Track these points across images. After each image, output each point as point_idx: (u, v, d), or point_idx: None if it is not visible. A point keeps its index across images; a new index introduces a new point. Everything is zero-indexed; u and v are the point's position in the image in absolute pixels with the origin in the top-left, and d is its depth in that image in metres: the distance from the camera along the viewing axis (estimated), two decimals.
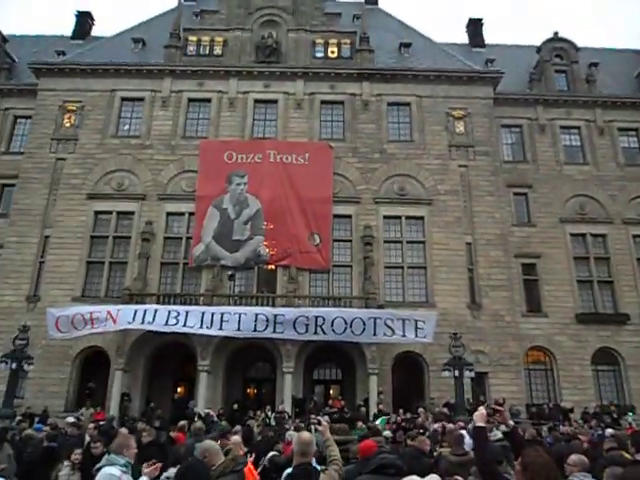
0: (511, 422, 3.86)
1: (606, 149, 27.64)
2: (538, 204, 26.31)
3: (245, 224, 23.65)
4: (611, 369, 24.46)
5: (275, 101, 26.45)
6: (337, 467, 3.97)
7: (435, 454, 7.61)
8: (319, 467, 4.50)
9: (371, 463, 3.84)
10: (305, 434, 4.26)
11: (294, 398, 20.35)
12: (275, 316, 19.45)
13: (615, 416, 19.78)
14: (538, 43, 30.72)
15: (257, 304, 21.41)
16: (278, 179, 24.16)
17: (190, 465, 4.13)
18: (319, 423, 4.69)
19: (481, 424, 3.74)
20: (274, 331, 19.27)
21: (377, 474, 3.69)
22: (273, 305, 21.28)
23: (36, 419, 16.85)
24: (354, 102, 26.43)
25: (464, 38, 35.06)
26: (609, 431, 12.12)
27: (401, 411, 17.65)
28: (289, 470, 4.12)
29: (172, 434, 9.68)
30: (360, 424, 13.26)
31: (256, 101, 26.47)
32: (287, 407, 19.16)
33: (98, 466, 4.53)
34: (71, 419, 12.28)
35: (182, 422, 10.61)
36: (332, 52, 27.53)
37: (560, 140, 27.81)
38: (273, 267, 23.44)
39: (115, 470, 4.37)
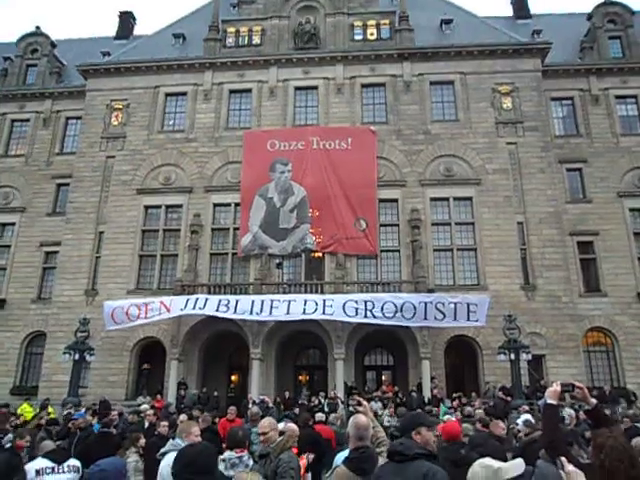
0: (593, 400, 3.62)
1: None
2: (594, 179, 25.13)
3: (291, 212, 23.71)
4: None
5: (315, 87, 26.27)
6: (385, 449, 3.88)
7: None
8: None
9: (422, 447, 3.72)
10: (361, 417, 4.17)
11: (346, 384, 20.36)
12: (324, 301, 19.45)
13: None
14: (589, 9, 29.17)
15: (306, 291, 21.46)
16: (321, 165, 24.05)
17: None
18: (359, 404, 4.58)
19: (553, 401, 3.55)
20: (323, 313, 19.24)
21: (391, 460, 3.56)
22: (322, 292, 21.31)
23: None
24: (395, 83, 25.92)
25: (509, 10, 33.77)
26: None
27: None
28: (345, 453, 4.04)
29: (229, 417, 9.84)
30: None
31: (296, 88, 26.38)
32: (339, 393, 19.18)
33: (163, 451, 4.55)
34: (146, 406, 12.62)
35: (232, 407, 10.73)
36: (371, 34, 27.04)
37: (616, 110, 26.38)
38: (320, 254, 23.41)
39: None
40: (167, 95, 26.95)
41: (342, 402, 18.03)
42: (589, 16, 28.87)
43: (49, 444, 5.34)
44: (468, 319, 19.07)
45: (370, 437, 3.93)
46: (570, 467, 2.85)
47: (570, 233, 24.02)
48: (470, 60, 25.66)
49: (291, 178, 24.15)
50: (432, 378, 20.04)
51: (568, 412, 8.57)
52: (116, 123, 26.47)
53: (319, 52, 26.44)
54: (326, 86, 26.21)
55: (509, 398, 17.35)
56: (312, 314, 19.45)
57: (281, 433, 4.89)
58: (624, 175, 25.11)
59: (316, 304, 19.46)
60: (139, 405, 15.13)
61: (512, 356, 18.44)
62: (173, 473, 2.77)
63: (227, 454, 4.29)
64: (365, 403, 4.52)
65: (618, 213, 24.56)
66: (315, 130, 25.13)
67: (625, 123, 26.27)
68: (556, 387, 3.54)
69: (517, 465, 2.70)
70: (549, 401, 3.53)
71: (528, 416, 8.49)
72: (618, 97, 26.60)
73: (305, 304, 19.53)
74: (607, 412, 12.16)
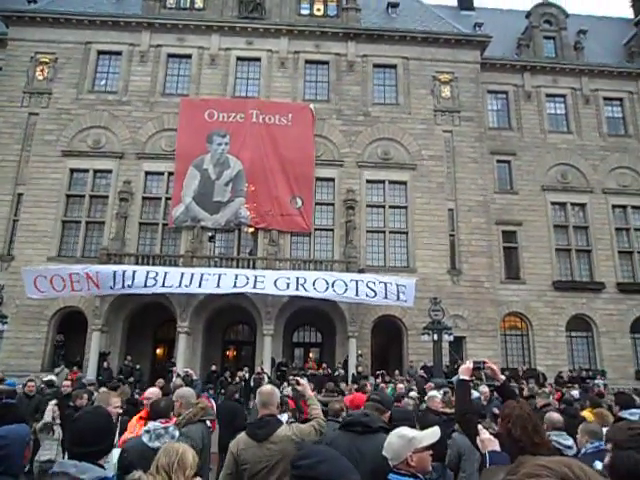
0: (502, 376, 3.80)
1: (590, 118, 27.62)
2: (521, 172, 26.34)
3: (226, 185, 23.21)
4: (584, 335, 25.06)
5: (258, 59, 25.65)
6: (316, 423, 3.89)
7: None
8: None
9: (340, 420, 3.78)
10: (266, 386, 4.27)
11: (274, 360, 20.43)
12: (256, 276, 19.30)
13: (587, 380, 20.36)
14: (528, 8, 30.22)
15: (237, 266, 21.20)
16: (260, 140, 23.63)
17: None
18: (297, 383, 4.59)
19: (465, 377, 3.70)
20: (254, 287, 19.10)
21: (346, 431, 3.60)
22: (254, 268, 21.11)
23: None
24: (339, 62, 25.79)
25: (453, 1, 34.27)
26: (574, 393, 12.49)
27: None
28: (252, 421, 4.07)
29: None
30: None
31: (238, 58, 25.64)
32: (266, 369, 19.22)
33: None
34: (51, 377, 12.05)
35: (160, 380, 10.52)
36: (318, 10, 26.69)
37: (545, 108, 27.67)
38: (254, 229, 23.14)
39: None
40: (100, 53, 25.40)
41: (268, 378, 18.07)
42: (527, 14, 29.91)
43: None
44: (398, 299, 19.60)
45: (276, 404, 3.95)
46: (486, 435, 2.95)
47: (496, 222, 25.12)
48: (414, 46, 25.93)
49: (228, 151, 23.58)
50: (358, 356, 20.51)
51: (482, 390, 8.99)
52: (41, 78, 24.66)
53: (264, 23, 25.78)
54: (269, 59, 25.65)
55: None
56: (243, 287, 19.26)
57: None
58: (549, 170, 26.48)
59: (247, 278, 19.28)
60: (56, 375, 14.45)
61: (435, 337, 19.18)
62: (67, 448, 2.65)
63: (151, 425, 4.10)
64: (303, 382, 4.50)
65: (541, 206, 25.93)
66: (256, 103, 24.61)
67: (553, 121, 27.61)
68: (468, 364, 3.72)
69: (431, 433, 2.76)
70: (462, 377, 3.70)
71: (436, 392, 8.84)
72: (548, 95, 27.88)
73: (236, 278, 19.33)
74: (519, 389, 12.87)
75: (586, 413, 6.95)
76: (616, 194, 26.48)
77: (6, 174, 23.28)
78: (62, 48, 24.99)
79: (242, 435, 3.75)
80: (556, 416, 4.78)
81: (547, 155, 26.64)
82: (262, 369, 18.63)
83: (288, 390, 10.62)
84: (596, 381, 20.22)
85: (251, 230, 23.13)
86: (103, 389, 9.56)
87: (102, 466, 2.52)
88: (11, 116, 24.09)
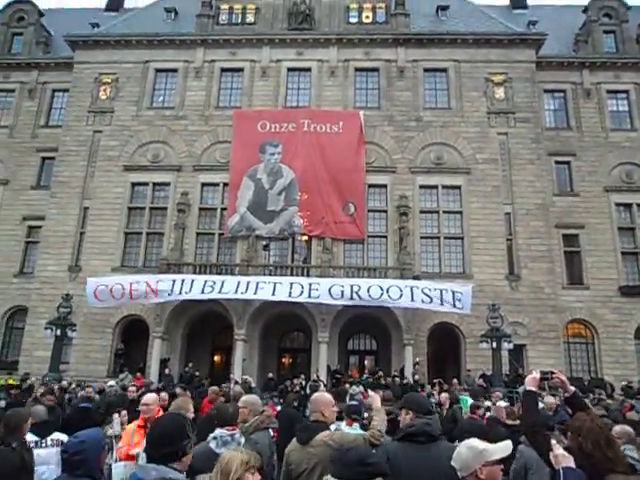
0: (572, 387, 3.66)
1: None
2: (582, 173, 25.29)
3: (279, 195, 23.58)
4: None
5: (308, 69, 25.98)
6: (369, 433, 3.91)
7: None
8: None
9: (400, 430, 3.73)
10: (316, 394, 4.43)
11: (329, 368, 20.46)
12: (310, 284, 19.44)
13: None
14: (585, 2, 29.08)
15: (292, 274, 21.44)
16: (311, 149, 23.89)
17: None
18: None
19: (532, 388, 3.60)
20: (309, 296, 19.25)
21: (406, 441, 3.54)
22: (308, 275, 21.29)
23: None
24: (389, 69, 25.73)
25: (505, 0, 33.46)
26: None
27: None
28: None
29: (210, 398, 9.78)
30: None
31: (289, 69, 26.06)
32: (322, 377, 19.28)
33: None
34: (112, 382, 12.61)
35: (214, 387, 10.70)
36: (366, 17, 26.75)
37: (607, 105, 26.48)
38: (307, 237, 23.35)
39: None
40: (157, 71, 26.48)
41: (324, 385, 18.12)
42: (585, 9, 28.80)
43: (39, 412, 5.21)
44: (454, 306, 19.18)
45: (325, 410, 4.03)
46: (559, 450, 2.87)
47: (556, 225, 24.20)
48: (465, 48, 25.53)
49: (281, 160, 23.97)
50: (415, 364, 20.22)
51: (547, 400, 8.67)
52: (104, 97, 25.98)
53: (313, 33, 26.10)
54: (319, 68, 25.92)
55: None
56: (298, 297, 19.44)
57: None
58: (612, 170, 25.29)
59: (302, 287, 19.44)
60: (121, 380, 15.07)
61: (494, 345, 18.65)
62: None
63: (218, 432, 4.24)
64: (372, 393, 4.59)
65: (604, 207, 24.79)
66: (307, 113, 24.90)
67: (615, 118, 26.39)
68: (535, 374, 3.60)
69: (503, 447, 2.70)
70: (528, 388, 3.59)
71: (503, 403, 8.59)
72: (610, 92, 26.68)
73: (291, 287, 19.51)
74: (586, 400, 12.31)
75: None
76: None
77: (74, 189, 24.60)
78: (123, 68, 26.24)
79: (294, 439, 3.95)
80: (627, 428, 4.55)
81: (609, 154, 25.47)
82: (318, 377, 18.68)
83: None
84: None
85: (305, 238, 23.36)
86: (162, 394, 9.87)
87: (180, 471, 2.63)
88: (77, 135, 25.47)
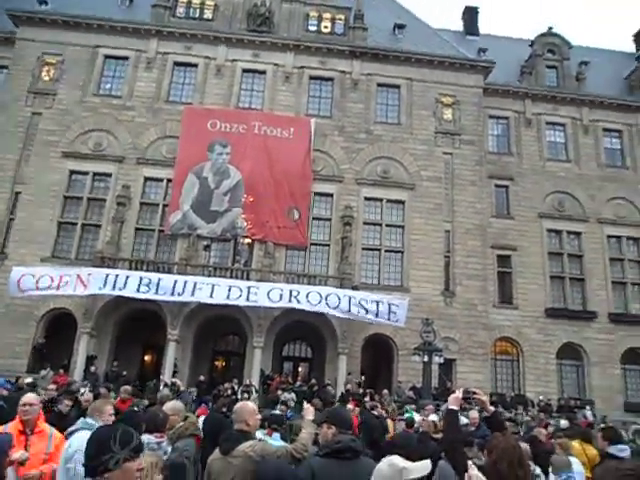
0: (491, 407, 3.80)
1: (589, 148, 27.88)
2: (518, 197, 26.49)
3: (224, 195, 23.25)
4: (575, 364, 25.03)
5: (263, 72, 25.87)
6: (293, 446, 3.87)
7: None
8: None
9: (324, 447, 3.69)
10: (240, 403, 4.42)
11: (262, 373, 20.29)
12: (249, 288, 19.27)
13: (575, 410, 20.30)
14: (532, 37, 30.64)
15: (231, 277, 21.15)
16: (261, 152, 23.74)
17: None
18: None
19: (454, 407, 3.70)
20: (248, 299, 19.07)
21: (331, 458, 3.50)
22: (248, 279, 21.06)
23: None
24: (344, 80, 26.02)
25: (459, 25, 34.73)
26: (563, 422, 12.46)
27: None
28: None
29: (122, 397, 9.46)
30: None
31: (244, 70, 25.84)
32: (255, 382, 19.08)
33: (71, 430, 4.17)
34: (29, 379, 11.94)
35: (126, 387, 10.32)
36: (325, 27, 26.95)
37: (545, 135, 27.94)
38: (250, 240, 23.12)
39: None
40: (106, 57, 25.57)
41: (256, 391, 17.95)
42: (531, 43, 30.33)
43: None
44: (389, 318, 19.59)
45: (249, 420, 3.98)
46: (474, 471, 2.93)
47: (492, 246, 25.19)
48: (418, 67, 26.21)
49: (228, 161, 23.67)
50: (349, 373, 20.40)
51: (471, 415, 8.94)
52: (47, 78, 24.76)
53: (272, 37, 26.02)
54: (274, 72, 25.86)
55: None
56: (236, 300, 19.21)
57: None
58: (546, 197, 26.65)
59: (240, 290, 19.24)
60: (42, 378, 14.30)
61: (425, 358, 19.09)
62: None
63: (146, 437, 3.97)
64: (307, 406, 4.46)
65: (536, 232, 26.05)
66: (259, 115, 24.76)
67: (552, 148, 27.87)
68: (458, 394, 3.72)
69: (422, 466, 2.73)
70: (450, 407, 3.68)
71: (434, 416, 8.77)
72: (548, 123, 28.17)
73: (230, 290, 19.27)
74: (507, 416, 12.76)
75: (575, 444, 6.95)
76: (612, 224, 26.64)
77: (6, 172, 23.26)
78: (70, 50, 25.14)
79: (217, 448, 3.85)
80: (524, 446, 4.80)
81: (545, 182, 26.84)
82: (250, 382, 18.48)
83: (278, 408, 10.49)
84: (584, 411, 20.18)
85: (247, 241, 23.12)
86: (88, 395, 9.43)
87: None
88: (14, 115, 24.13)
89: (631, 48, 34.39)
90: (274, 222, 23.11)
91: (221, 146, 23.81)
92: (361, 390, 18.53)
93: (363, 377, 20.20)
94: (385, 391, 19.05)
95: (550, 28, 30.38)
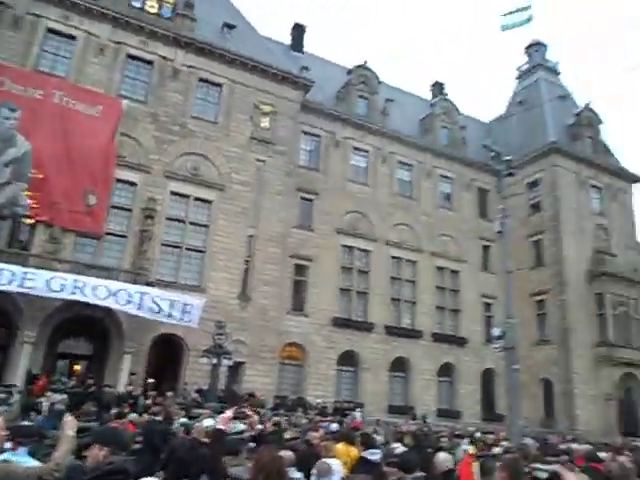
0: (259, 426, 4.03)
1: (385, 177, 31.14)
2: (320, 212, 28.26)
3: (6, 166, 20.21)
4: (351, 370, 27.46)
5: (73, 37, 23.30)
6: (41, 469, 3.43)
7: None
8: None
9: (95, 469, 3.40)
10: None
11: (30, 372, 18.01)
12: (25, 273, 17.03)
13: (347, 412, 22.17)
14: (350, 66, 33.16)
15: (4, 261, 18.41)
16: (59, 125, 21.22)
17: None
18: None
19: (222, 427, 4.01)
20: (22, 286, 16.83)
21: None
22: (24, 265, 18.55)
23: None
24: (164, 66, 24.83)
25: (287, 39, 35.80)
26: (333, 426, 13.51)
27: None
28: None
29: None
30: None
31: (49, 30, 22.91)
32: (18, 382, 16.85)
33: None
34: None
35: None
36: (151, 7, 25.38)
37: (350, 158, 30.44)
38: (33, 221, 20.44)
39: None
40: None
41: (19, 392, 15.84)
42: (349, 71, 32.83)
43: None
44: (182, 319, 19.15)
45: None
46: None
47: (291, 255, 26.38)
48: (242, 71, 26.28)
49: (16, 127, 20.68)
50: (132, 374, 19.31)
51: (238, 427, 9.15)
52: None
53: (88, 2, 23.56)
54: (87, 41, 23.47)
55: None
56: (6, 285, 16.83)
57: None
58: (345, 215, 28.94)
59: (13, 274, 16.91)
60: None
61: (215, 360, 19.01)
62: None
63: None
64: (69, 419, 3.87)
65: (332, 246, 28.09)
66: (61, 84, 22.15)
67: (355, 171, 30.47)
68: (229, 414, 3.95)
69: None
70: (219, 426, 3.85)
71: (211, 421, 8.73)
72: (355, 148, 30.80)
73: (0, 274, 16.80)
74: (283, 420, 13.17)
75: (340, 446, 7.45)
76: (395, 246, 30.05)
77: None
78: None
79: None
80: (288, 454, 5.05)
81: (345, 201, 29.15)
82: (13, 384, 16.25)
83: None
84: (354, 413, 22.15)
85: (30, 221, 20.40)
86: None
87: None
88: None
89: (428, 95, 39.35)
90: (66, 205, 20.80)
91: (9, 110, 20.66)
92: (140, 390, 17.68)
93: (151, 380, 19.16)
94: (169, 393, 18.49)
95: (365, 62, 33.17)
